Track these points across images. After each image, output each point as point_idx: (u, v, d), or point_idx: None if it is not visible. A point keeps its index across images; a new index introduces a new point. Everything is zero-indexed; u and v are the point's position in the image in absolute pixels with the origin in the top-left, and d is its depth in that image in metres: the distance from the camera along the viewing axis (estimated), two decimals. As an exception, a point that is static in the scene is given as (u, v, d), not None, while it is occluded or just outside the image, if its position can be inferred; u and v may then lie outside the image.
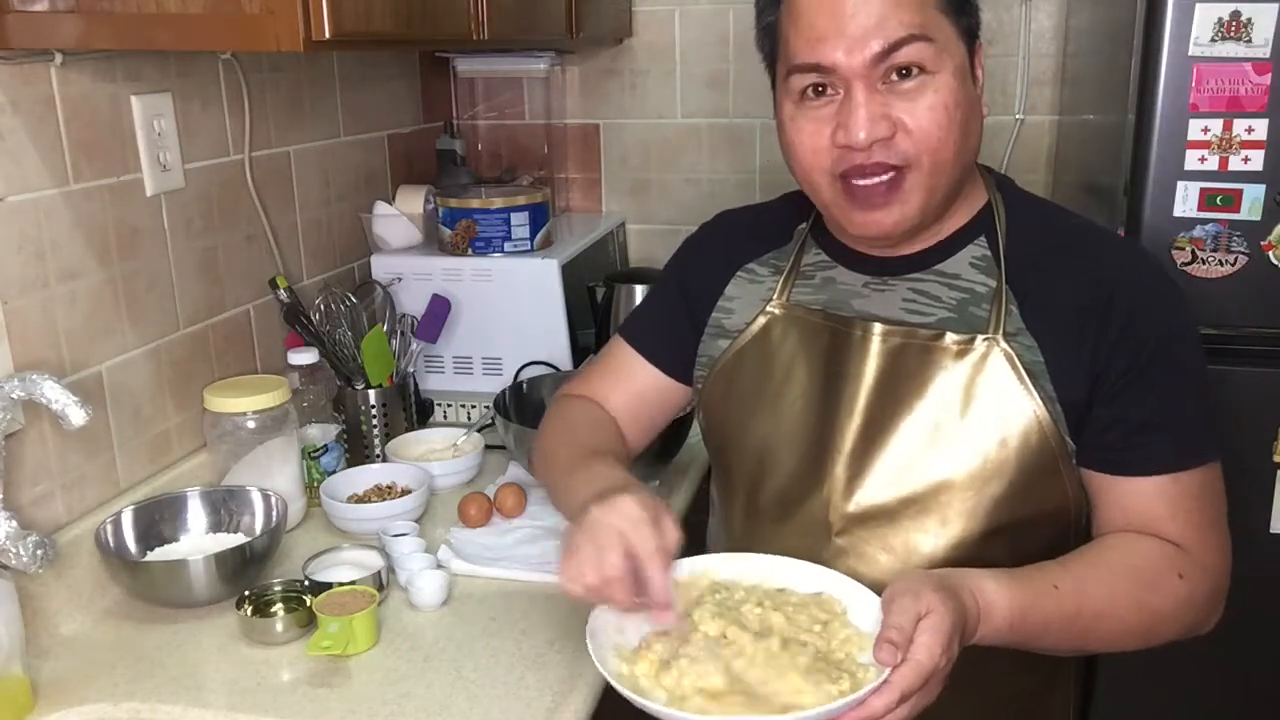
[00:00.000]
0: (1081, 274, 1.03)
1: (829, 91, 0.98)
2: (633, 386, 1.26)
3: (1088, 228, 1.09)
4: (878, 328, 1.07)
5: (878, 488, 1.05)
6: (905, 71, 0.96)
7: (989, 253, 1.06)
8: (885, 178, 0.99)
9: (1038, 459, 1.02)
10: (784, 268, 1.16)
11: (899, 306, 1.08)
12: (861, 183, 0.99)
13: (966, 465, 1.02)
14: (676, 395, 1.27)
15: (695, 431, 1.73)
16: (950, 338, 1.04)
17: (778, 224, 1.19)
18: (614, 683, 0.87)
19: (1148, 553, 1.00)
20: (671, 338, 1.24)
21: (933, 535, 1.04)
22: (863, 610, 0.94)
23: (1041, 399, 1.01)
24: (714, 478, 1.25)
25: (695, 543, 1.28)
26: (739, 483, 1.16)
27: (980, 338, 1.03)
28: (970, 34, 1.01)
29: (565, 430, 1.22)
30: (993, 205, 1.08)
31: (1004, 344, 1.02)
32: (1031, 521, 1.04)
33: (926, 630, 0.83)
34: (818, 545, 1.07)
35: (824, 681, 0.85)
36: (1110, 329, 1.00)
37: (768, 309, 1.15)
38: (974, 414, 1.02)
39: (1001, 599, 0.91)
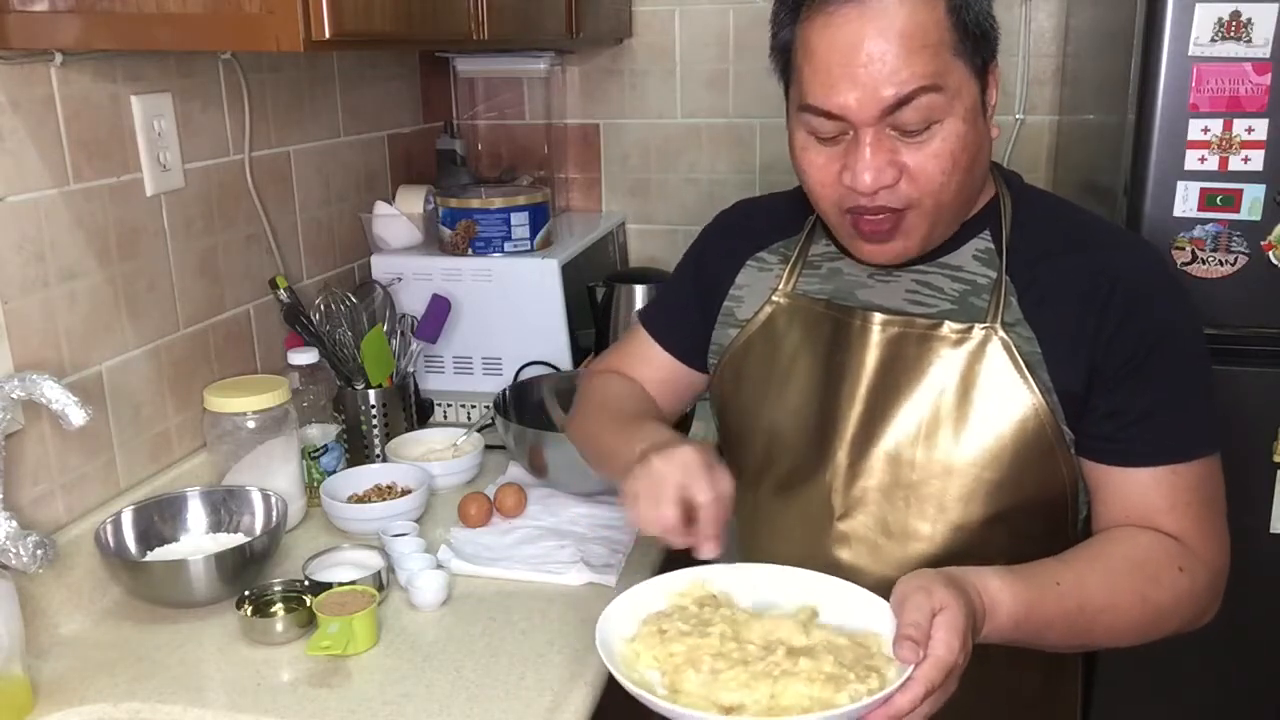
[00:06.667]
0: (1083, 267, 1.03)
1: (838, 133, 0.99)
2: (652, 372, 1.30)
3: (1095, 222, 1.10)
4: (877, 317, 1.09)
5: (877, 473, 1.07)
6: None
7: (992, 245, 1.08)
8: (887, 215, 1.00)
9: (1034, 447, 1.03)
10: (792, 256, 1.18)
11: (902, 297, 1.09)
12: (867, 218, 1.01)
13: (963, 452, 1.04)
14: (696, 381, 1.29)
15: (695, 432, 1.73)
16: (948, 326, 1.05)
17: (791, 213, 1.20)
18: (627, 683, 0.87)
19: (1149, 546, 1.00)
20: (685, 326, 1.27)
21: (931, 520, 1.06)
22: (859, 608, 0.95)
23: (1038, 389, 1.02)
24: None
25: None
26: (747, 469, 1.19)
27: (978, 326, 1.04)
28: (984, 66, 1.00)
29: (607, 398, 1.26)
30: (999, 199, 1.09)
31: (1001, 333, 1.03)
32: (1029, 509, 1.05)
33: (943, 626, 0.84)
34: (821, 529, 1.10)
35: (851, 681, 0.85)
36: (1109, 322, 1.01)
37: (773, 299, 1.17)
38: (971, 402, 1.04)
39: (1005, 597, 0.91)
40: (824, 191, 1.03)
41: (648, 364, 1.30)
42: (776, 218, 1.22)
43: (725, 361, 1.20)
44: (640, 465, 1.00)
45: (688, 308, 1.26)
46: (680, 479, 0.97)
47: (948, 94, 0.95)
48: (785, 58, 1.03)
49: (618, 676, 0.87)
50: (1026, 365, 1.02)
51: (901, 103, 0.94)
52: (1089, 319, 1.01)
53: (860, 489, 1.08)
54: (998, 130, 1.05)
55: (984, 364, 1.03)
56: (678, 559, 1.43)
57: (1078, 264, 1.03)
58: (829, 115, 0.97)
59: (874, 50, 0.93)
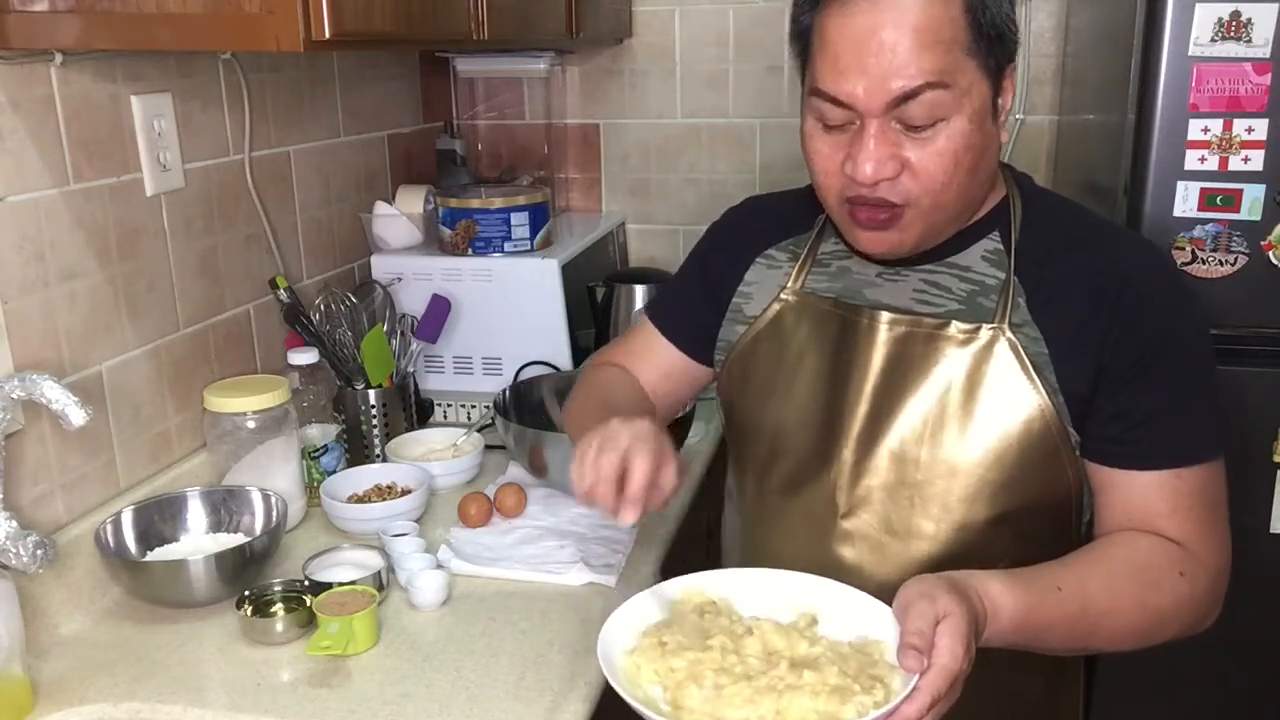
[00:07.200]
0: (1092, 269, 1.03)
1: (845, 121, 0.99)
2: (657, 364, 1.30)
3: (1104, 224, 1.10)
4: (884, 316, 1.09)
5: (882, 472, 1.07)
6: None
7: (1001, 246, 1.08)
8: (886, 210, 1.01)
9: (1039, 448, 1.03)
10: (801, 254, 1.18)
11: (909, 296, 1.09)
12: (864, 210, 1.01)
13: (968, 451, 1.04)
14: (700, 374, 1.30)
15: (695, 432, 1.74)
16: (955, 326, 1.05)
17: (801, 211, 1.20)
18: (632, 701, 0.86)
19: (1150, 551, 1.00)
20: (693, 321, 1.27)
21: (935, 520, 1.06)
22: (860, 613, 0.94)
23: (1045, 390, 1.02)
24: (730, 463, 1.27)
25: (696, 540, 1.28)
26: (752, 466, 1.19)
27: (985, 327, 1.04)
28: (1000, 69, 1.00)
29: (602, 390, 1.26)
30: (1009, 200, 1.10)
31: (1009, 334, 1.03)
32: (1034, 509, 1.05)
33: (946, 633, 0.84)
34: (825, 527, 1.10)
35: (857, 693, 0.84)
36: (1117, 323, 1.01)
37: (782, 296, 1.17)
38: (977, 402, 1.04)
39: (1006, 600, 0.91)
40: (827, 180, 1.03)
41: (651, 356, 1.30)
42: (786, 216, 1.22)
43: (733, 358, 1.21)
44: (598, 426, 1.01)
45: (693, 301, 1.26)
46: (629, 441, 0.98)
47: (956, 92, 0.96)
48: (803, 43, 1.03)
49: (622, 694, 0.86)
50: (1033, 366, 1.02)
51: (908, 97, 0.94)
52: (1097, 320, 1.01)
53: (865, 487, 1.08)
54: (1007, 135, 1.05)
55: (990, 364, 1.03)
56: (677, 563, 1.44)
57: (1086, 266, 1.04)
58: (837, 102, 0.97)
59: (886, 41, 0.94)
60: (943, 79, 0.94)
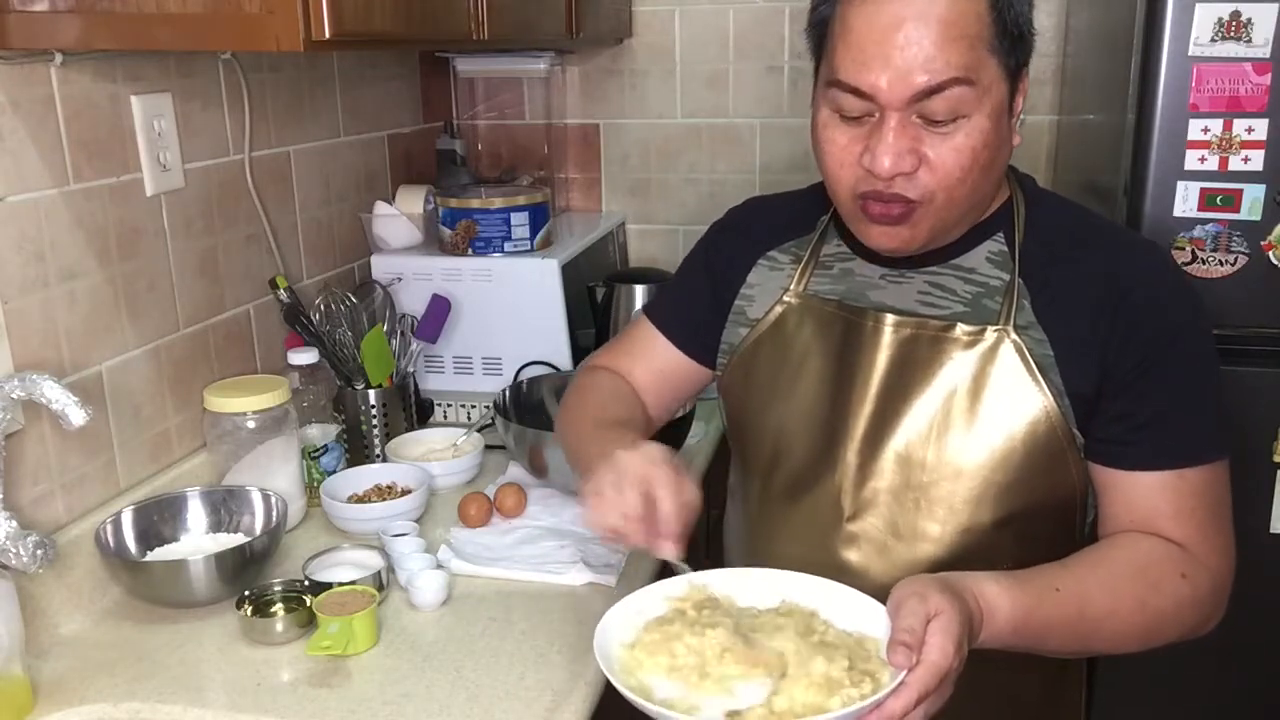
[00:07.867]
0: (1097, 270, 1.03)
1: (863, 113, 0.98)
2: (654, 364, 1.29)
3: (1107, 225, 1.10)
4: (889, 318, 1.08)
5: (888, 474, 1.07)
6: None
7: (1005, 248, 1.08)
8: (900, 205, 1.00)
9: (1044, 450, 1.03)
10: (804, 256, 1.17)
11: (914, 299, 1.09)
12: (877, 204, 1.01)
13: (973, 454, 1.04)
14: (697, 375, 1.29)
15: (695, 432, 1.74)
16: (961, 328, 1.05)
17: (804, 213, 1.20)
18: (623, 689, 0.86)
19: (1150, 552, 1.00)
20: (694, 320, 1.26)
21: (940, 522, 1.05)
22: (857, 612, 0.94)
23: (1050, 391, 1.02)
24: (732, 464, 1.27)
25: (696, 540, 1.28)
26: (755, 469, 1.18)
27: (990, 329, 1.04)
28: (1018, 69, 1.00)
29: (592, 398, 1.25)
30: (1014, 202, 1.09)
31: (1014, 335, 1.03)
32: (1038, 511, 1.05)
33: (937, 631, 0.84)
34: (829, 530, 1.10)
35: (846, 685, 0.84)
36: (1121, 325, 1.01)
37: (785, 298, 1.17)
38: (982, 404, 1.04)
39: (1003, 602, 0.91)
40: (841, 173, 1.02)
41: (649, 356, 1.29)
42: (788, 217, 1.21)
43: (735, 361, 1.20)
44: (605, 460, 1.00)
45: (695, 301, 1.26)
46: (643, 471, 0.97)
47: (978, 89, 0.95)
48: (821, 33, 1.02)
49: (614, 682, 0.87)
50: (1038, 368, 1.02)
51: (932, 91, 0.94)
52: (1101, 322, 1.01)
53: (870, 490, 1.08)
54: (1019, 139, 1.05)
55: (995, 366, 1.03)
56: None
57: (1090, 267, 1.04)
58: (857, 93, 0.97)
59: (912, 34, 0.93)
60: (967, 74, 0.94)
